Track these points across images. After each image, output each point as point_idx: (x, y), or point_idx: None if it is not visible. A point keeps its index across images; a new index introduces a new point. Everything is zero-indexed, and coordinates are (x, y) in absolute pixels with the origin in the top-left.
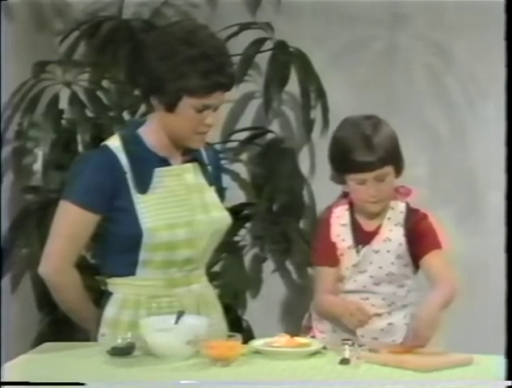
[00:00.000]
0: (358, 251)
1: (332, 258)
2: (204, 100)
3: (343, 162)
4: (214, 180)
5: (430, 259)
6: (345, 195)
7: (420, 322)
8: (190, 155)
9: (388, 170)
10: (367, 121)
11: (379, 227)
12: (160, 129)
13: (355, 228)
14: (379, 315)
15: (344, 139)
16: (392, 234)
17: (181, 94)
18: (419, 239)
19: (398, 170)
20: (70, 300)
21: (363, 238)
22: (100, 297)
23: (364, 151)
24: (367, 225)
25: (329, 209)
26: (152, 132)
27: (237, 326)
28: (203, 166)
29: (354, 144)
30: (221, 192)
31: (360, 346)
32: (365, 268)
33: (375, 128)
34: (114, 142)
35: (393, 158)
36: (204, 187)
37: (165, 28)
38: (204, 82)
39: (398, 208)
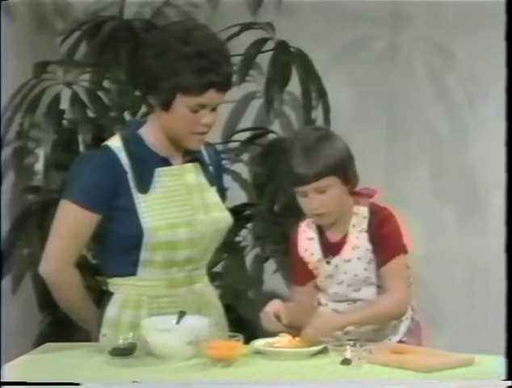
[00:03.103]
0: (328, 262)
1: (302, 276)
2: (198, 99)
3: (286, 174)
4: (215, 180)
5: (387, 270)
6: None
7: (312, 322)
8: (191, 155)
9: (329, 181)
10: (312, 133)
11: (345, 236)
12: (159, 129)
13: (323, 240)
14: None
15: (288, 150)
16: (358, 241)
17: (174, 92)
18: (379, 247)
19: (346, 181)
20: (70, 299)
21: (331, 249)
22: (101, 298)
23: (300, 163)
24: (333, 236)
25: (299, 224)
26: (152, 132)
27: (239, 326)
28: (204, 166)
29: (293, 155)
30: (222, 193)
31: (362, 346)
32: (341, 279)
33: (317, 141)
34: (115, 142)
35: (335, 169)
36: (205, 187)
37: (164, 27)
38: (197, 80)
39: (361, 214)
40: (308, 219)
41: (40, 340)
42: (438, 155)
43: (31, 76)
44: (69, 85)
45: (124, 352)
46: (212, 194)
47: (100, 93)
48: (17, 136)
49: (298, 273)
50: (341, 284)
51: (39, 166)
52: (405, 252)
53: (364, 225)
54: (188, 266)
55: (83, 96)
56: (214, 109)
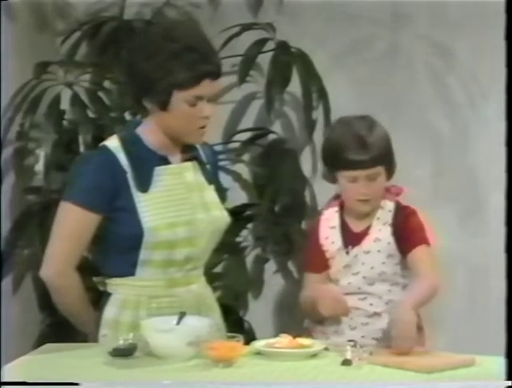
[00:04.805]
0: (347, 252)
1: (319, 263)
2: (194, 91)
3: (336, 160)
4: (213, 179)
5: (415, 255)
6: (336, 197)
7: (397, 327)
8: (190, 153)
9: (380, 170)
10: (361, 121)
11: (368, 228)
12: (158, 129)
13: (344, 230)
14: (378, 315)
15: (338, 138)
16: (381, 234)
17: (171, 90)
18: (406, 235)
19: (389, 171)
20: (71, 302)
21: (352, 239)
22: (100, 298)
23: (358, 149)
24: (356, 227)
25: (320, 212)
26: (150, 132)
27: (239, 327)
28: (202, 165)
29: (348, 142)
30: (221, 192)
31: (362, 347)
32: (357, 270)
33: (369, 128)
34: (113, 142)
35: (385, 158)
36: (204, 186)
37: (146, 30)
38: (190, 73)
39: (387, 208)
40: (332, 207)
41: (41, 341)
42: (438, 155)
43: (32, 76)
44: (69, 85)
45: (125, 353)
46: (211, 193)
47: (100, 93)
48: (17, 136)
49: (316, 261)
50: (356, 274)
51: (39, 167)
52: (429, 244)
53: (389, 218)
54: (187, 265)
55: (84, 97)
56: (210, 100)
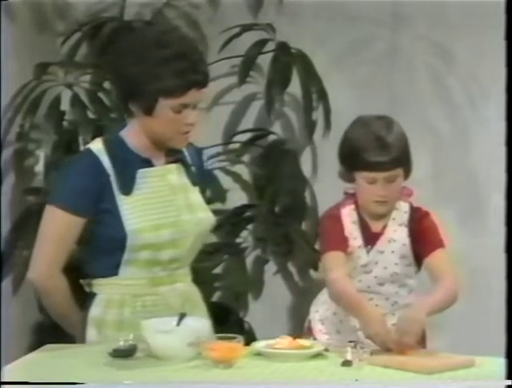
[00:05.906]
0: (368, 252)
1: (345, 247)
2: (181, 99)
3: (356, 161)
4: (198, 181)
5: (433, 259)
6: (349, 196)
7: (404, 321)
8: (174, 156)
9: (399, 171)
10: (380, 121)
11: (384, 228)
12: (141, 132)
13: (364, 228)
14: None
15: (357, 138)
16: (396, 235)
17: (157, 97)
18: (422, 238)
19: (407, 172)
20: (58, 304)
21: (371, 238)
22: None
23: (379, 151)
24: (374, 226)
25: (337, 208)
26: (134, 135)
27: (239, 327)
28: (186, 166)
29: (368, 143)
30: (217, 193)
31: (362, 348)
32: (371, 269)
33: (388, 129)
34: (96, 145)
35: (405, 159)
36: (188, 188)
37: (138, 33)
38: (179, 82)
39: (402, 209)
40: (349, 205)
41: (41, 341)
42: (438, 155)
43: (32, 77)
44: (69, 86)
45: (125, 354)
46: (195, 194)
47: (100, 94)
48: (17, 137)
49: (343, 242)
50: (369, 273)
51: (39, 168)
52: (444, 246)
53: (405, 219)
54: (171, 265)
55: (83, 97)
56: (195, 107)
